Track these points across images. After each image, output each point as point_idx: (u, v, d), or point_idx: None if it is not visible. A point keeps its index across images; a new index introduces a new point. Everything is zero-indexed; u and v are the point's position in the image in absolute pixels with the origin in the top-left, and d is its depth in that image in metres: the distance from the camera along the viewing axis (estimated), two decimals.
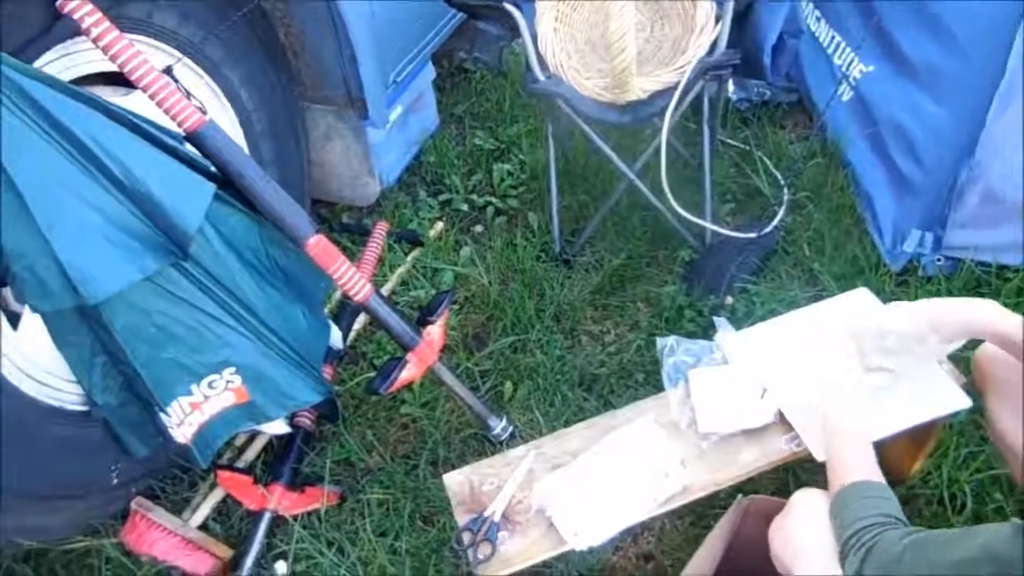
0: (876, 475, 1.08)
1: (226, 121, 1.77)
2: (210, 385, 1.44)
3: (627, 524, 1.20)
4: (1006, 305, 1.73)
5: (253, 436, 1.80)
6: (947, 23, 1.85)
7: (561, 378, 1.86)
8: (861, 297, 1.46)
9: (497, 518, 1.21)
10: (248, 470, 1.72)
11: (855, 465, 1.09)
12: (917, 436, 1.42)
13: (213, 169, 1.34)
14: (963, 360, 1.34)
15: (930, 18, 1.90)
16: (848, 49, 2.24)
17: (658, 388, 1.41)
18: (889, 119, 2.06)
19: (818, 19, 2.40)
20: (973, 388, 1.29)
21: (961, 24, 1.81)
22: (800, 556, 1.03)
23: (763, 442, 1.27)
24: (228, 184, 1.35)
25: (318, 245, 1.40)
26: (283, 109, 1.94)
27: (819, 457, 1.20)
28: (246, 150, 1.80)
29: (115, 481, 1.58)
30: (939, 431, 1.46)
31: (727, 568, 1.17)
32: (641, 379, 1.84)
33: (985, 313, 1.20)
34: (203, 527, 1.67)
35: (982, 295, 1.81)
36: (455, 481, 1.28)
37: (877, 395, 1.27)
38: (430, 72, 2.37)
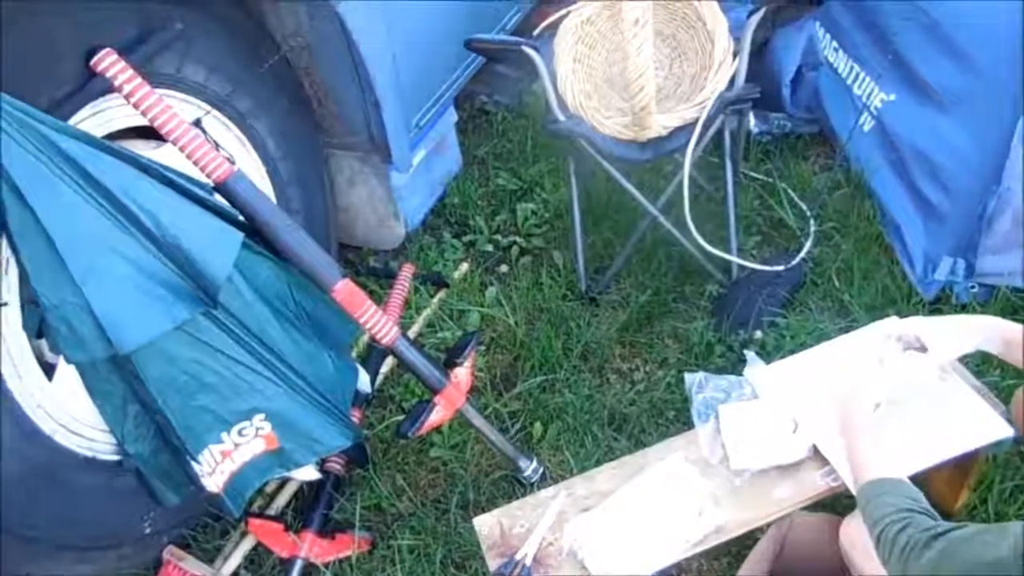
0: (888, 467, 1.09)
1: (253, 170, 1.80)
2: (240, 433, 1.45)
3: (661, 566, 1.17)
4: None
5: (284, 482, 1.80)
6: (964, 47, 1.84)
7: (591, 418, 1.84)
8: (891, 325, 1.44)
9: (529, 561, 1.19)
10: (279, 517, 1.71)
11: (866, 461, 1.11)
12: (961, 467, 1.39)
13: (241, 218, 1.37)
14: (1003, 390, 1.31)
15: (947, 43, 1.90)
16: (868, 79, 2.24)
17: (689, 426, 1.39)
18: (912, 147, 2.04)
19: (836, 50, 2.40)
20: (1015, 422, 1.26)
21: (979, 47, 1.80)
22: (860, 551, 1.10)
23: (797, 478, 1.25)
24: (256, 232, 1.37)
25: (344, 290, 1.42)
26: (308, 156, 1.98)
27: (854, 489, 1.17)
28: (273, 198, 1.83)
29: (147, 530, 1.59)
30: (981, 463, 1.42)
31: None
32: (671, 416, 1.82)
33: (996, 321, 1.22)
34: (234, 575, 1.66)
35: (1019, 321, 1.77)
36: (485, 524, 1.27)
37: (915, 424, 1.24)
38: (452, 115, 2.40)
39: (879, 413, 1.21)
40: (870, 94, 2.22)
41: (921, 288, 1.95)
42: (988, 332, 1.21)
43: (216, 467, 1.46)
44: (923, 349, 1.24)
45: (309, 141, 1.98)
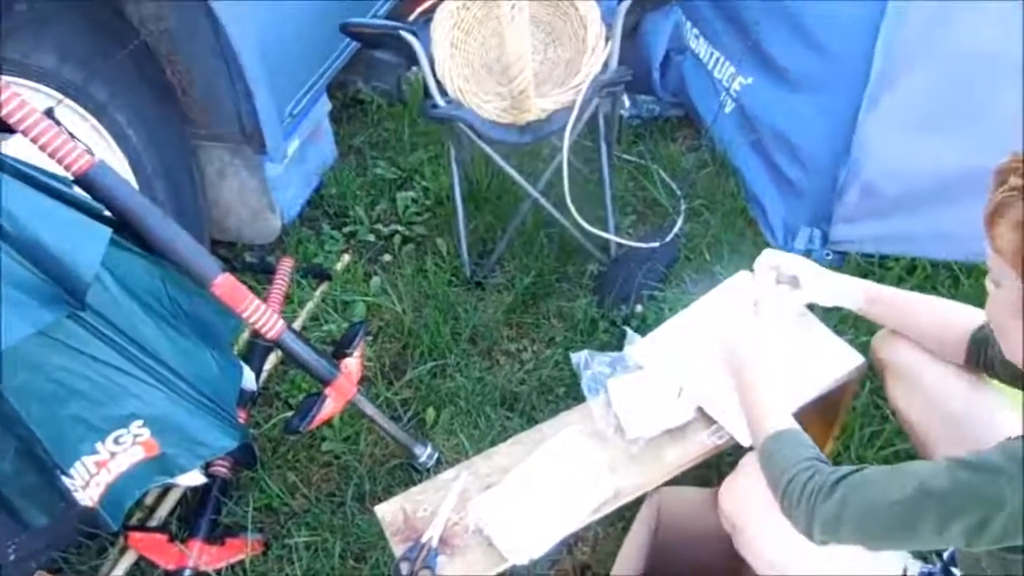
0: (785, 414, 1.14)
1: (115, 163, 1.70)
2: (116, 441, 1.36)
3: (564, 534, 1.20)
4: None
5: (165, 491, 1.71)
6: (815, 31, 1.98)
7: (483, 399, 1.86)
8: (743, 279, 1.53)
9: (435, 543, 1.19)
10: (162, 528, 1.63)
11: (765, 409, 1.16)
12: (827, 416, 1.50)
13: (107, 213, 1.28)
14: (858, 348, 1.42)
15: (799, 28, 2.03)
16: (727, 63, 2.36)
17: (579, 400, 1.43)
18: (770, 127, 2.18)
19: (697, 37, 2.52)
20: (874, 369, 1.37)
21: (828, 31, 1.95)
22: (752, 508, 1.11)
23: (686, 439, 1.31)
24: (124, 227, 1.29)
25: (224, 284, 1.35)
26: (175, 148, 1.88)
27: (744, 443, 1.24)
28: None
29: (12, 557, 1.46)
30: (846, 411, 1.54)
31: (651, 562, 1.21)
32: (562, 393, 1.87)
33: (860, 280, 1.31)
34: None
35: None
36: (388, 511, 1.26)
37: (785, 362, 1.33)
38: (326, 103, 2.35)
39: (765, 349, 1.27)
40: (730, 77, 2.35)
41: None
42: (853, 287, 1.30)
43: (90, 480, 1.37)
44: (795, 286, 1.33)
45: (175, 132, 1.88)
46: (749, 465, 1.15)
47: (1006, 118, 1.74)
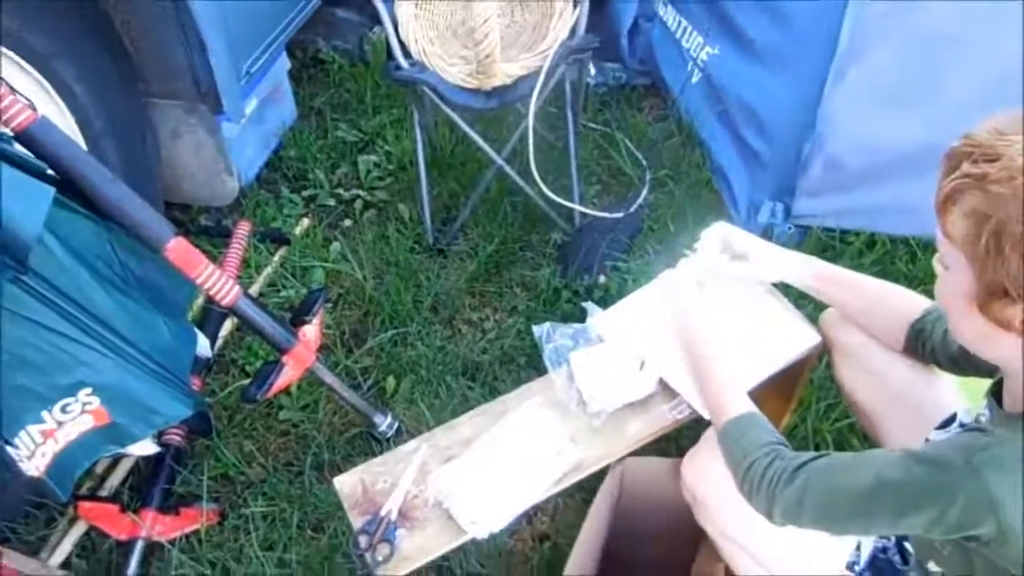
0: (742, 398, 1.15)
1: (60, 119, 1.62)
2: (63, 409, 1.31)
3: (524, 507, 1.20)
4: (848, 265, 1.88)
5: (117, 460, 1.67)
6: (783, 4, 1.97)
7: (444, 368, 1.84)
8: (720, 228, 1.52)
9: (394, 516, 1.17)
10: (114, 498, 1.59)
11: (729, 394, 1.16)
12: (784, 391, 1.51)
13: (51, 172, 1.22)
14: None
15: (767, 1, 2.02)
16: (695, 33, 2.34)
17: (541, 371, 1.42)
18: (737, 98, 2.17)
19: (665, 4, 2.49)
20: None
21: (796, 4, 1.93)
22: (714, 482, 1.12)
23: (648, 412, 1.31)
24: (70, 187, 1.23)
25: (177, 248, 1.31)
26: (125, 105, 1.80)
27: (706, 416, 1.24)
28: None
29: None
30: (804, 386, 1.55)
31: (614, 531, 1.21)
32: (523, 363, 1.86)
33: (813, 259, 1.31)
34: (66, 565, 1.53)
35: (828, 258, 1.94)
36: (346, 483, 1.24)
37: (740, 339, 1.33)
38: (285, 62, 2.27)
39: (714, 328, 1.28)
40: (697, 47, 2.33)
41: (745, 230, 2.09)
42: (802, 265, 1.30)
43: (36, 449, 1.32)
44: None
45: (125, 88, 1.80)
46: (711, 439, 1.15)
47: (967, 96, 1.76)
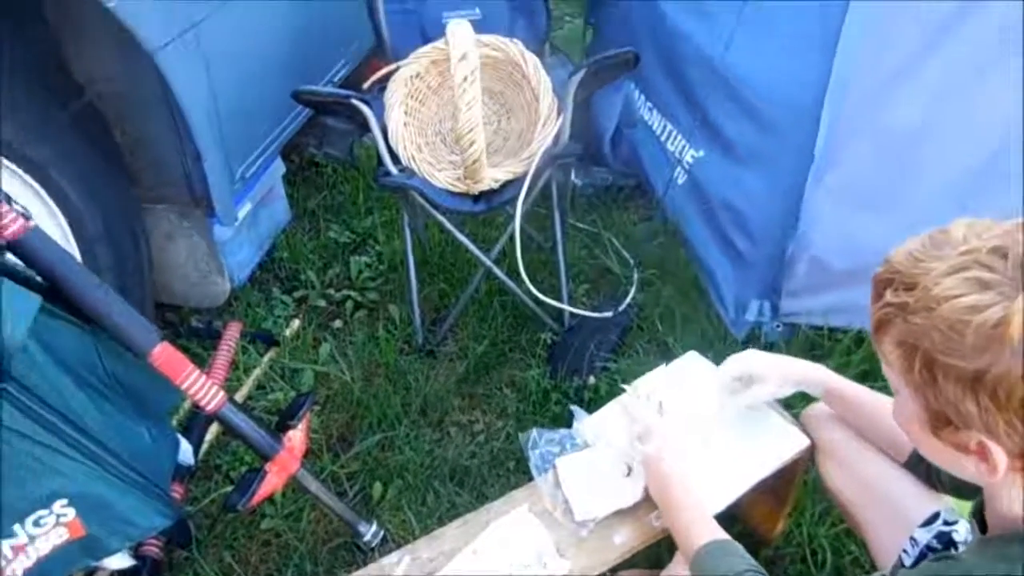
0: (709, 524, 1.12)
1: (54, 226, 1.65)
2: (36, 523, 1.27)
3: None
4: (837, 363, 1.88)
5: (91, 573, 1.60)
6: (762, 109, 2.04)
7: (432, 473, 1.81)
8: (692, 360, 1.53)
9: None
10: None
11: (697, 524, 1.13)
12: (778, 494, 1.48)
13: (39, 279, 1.23)
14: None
15: (746, 105, 2.09)
16: (680, 136, 2.42)
17: (530, 475, 1.39)
18: (722, 199, 2.21)
19: (650, 109, 2.58)
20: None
21: (773, 108, 2.00)
22: None
23: (636, 520, 1.28)
24: (58, 295, 1.24)
25: (163, 355, 1.30)
26: (119, 210, 1.83)
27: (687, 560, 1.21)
28: (78, 256, 1.68)
29: None
30: (797, 488, 1.52)
31: None
32: (512, 467, 1.82)
33: (821, 370, 1.29)
34: None
35: (816, 356, 1.94)
36: None
37: (721, 455, 1.32)
38: (280, 167, 2.33)
39: (678, 455, 1.25)
40: (682, 150, 2.40)
41: (733, 329, 2.11)
42: (815, 378, 1.29)
43: (8, 565, 1.28)
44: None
45: (120, 194, 1.84)
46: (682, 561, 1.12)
47: (942, 192, 1.80)
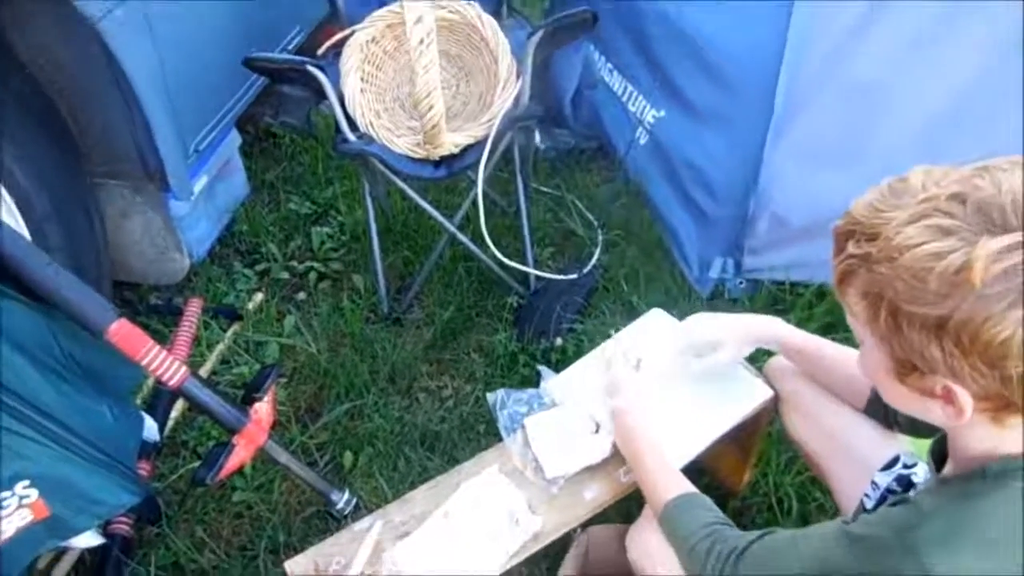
0: (679, 479, 1.14)
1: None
2: None
3: None
4: (799, 316, 1.91)
5: (60, 554, 1.59)
6: (720, 67, 2.04)
7: (402, 440, 1.81)
8: (656, 318, 1.54)
9: None
10: None
11: (664, 478, 1.15)
12: (743, 445, 1.51)
13: None
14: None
15: (705, 63, 2.09)
16: (640, 97, 2.41)
17: (500, 437, 1.40)
18: (683, 158, 2.22)
19: (611, 71, 2.57)
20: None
21: (732, 67, 2.00)
22: (657, 558, 1.10)
23: (605, 476, 1.30)
24: (8, 276, 1.20)
25: (120, 331, 1.28)
26: (69, 188, 1.78)
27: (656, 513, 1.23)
28: (27, 236, 1.63)
29: None
30: (762, 439, 1.56)
31: None
32: (483, 430, 1.84)
33: (776, 325, 1.32)
34: None
35: (780, 311, 1.98)
36: (299, 566, 1.20)
37: (686, 408, 1.34)
38: (236, 138, 2.28)
39: (644, 409, 1.28)
40: (643, 111, 2.39)
41: (698, 287, 2.13)
42: (769, 334, 1.31)
43: None
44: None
45: (69, 170, 1.78)
46: (652, 514, 1.14)
47: (900, 146, 1.83)
